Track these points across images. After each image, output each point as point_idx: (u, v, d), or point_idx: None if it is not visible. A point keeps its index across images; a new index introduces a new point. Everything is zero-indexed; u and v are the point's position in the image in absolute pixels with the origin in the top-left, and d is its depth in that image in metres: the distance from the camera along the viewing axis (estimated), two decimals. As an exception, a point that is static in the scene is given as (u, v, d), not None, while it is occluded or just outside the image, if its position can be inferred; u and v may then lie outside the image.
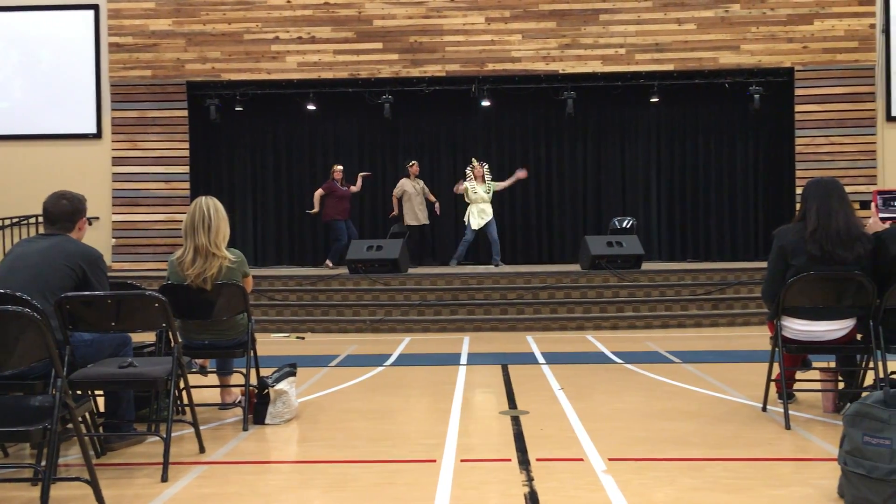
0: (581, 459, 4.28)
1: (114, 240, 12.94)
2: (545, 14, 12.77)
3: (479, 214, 12.61)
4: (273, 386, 5.25)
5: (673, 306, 10.84)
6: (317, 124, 14.29)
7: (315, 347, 9.28)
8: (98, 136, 13.13)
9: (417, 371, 7.49)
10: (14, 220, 12.50)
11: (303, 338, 10.30)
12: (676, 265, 12.58)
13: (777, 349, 5.03)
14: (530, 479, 3.94)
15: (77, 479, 3.68)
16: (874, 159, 12.59)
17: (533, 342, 9.33)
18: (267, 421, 5.21)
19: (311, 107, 13.43)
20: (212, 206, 5.25)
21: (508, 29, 12.80)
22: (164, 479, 4.02)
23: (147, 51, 12.96)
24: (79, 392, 4.21)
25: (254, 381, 5.33)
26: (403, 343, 9.48)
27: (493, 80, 13.00)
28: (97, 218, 12.60)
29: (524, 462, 4.24)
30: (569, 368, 7.35)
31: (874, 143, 12.62)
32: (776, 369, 5.12)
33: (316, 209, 12.92)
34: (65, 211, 4.53)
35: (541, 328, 10.53)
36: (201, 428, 4.68)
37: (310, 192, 14.35)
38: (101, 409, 4.79)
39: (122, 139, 13.04)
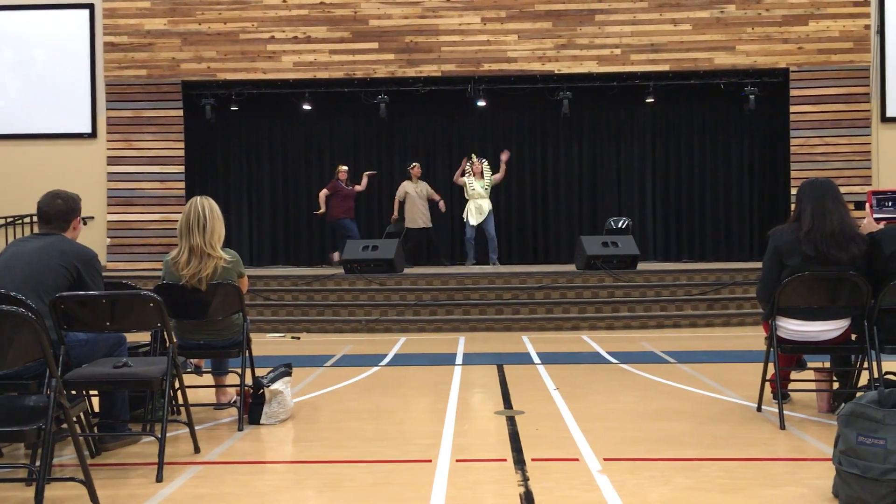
0: (576, 459, 4.29)
1: (109, 239, 12.92)
2: (541, 14, 12.78)
3: (476, 211, 12.63)
4: (268, 386, 5.25)
5: (668, 306, 10.85)
6: (312, 124, 14.28)
7: (310, 347, 9.27)
8: (93, 135, 13.10)
9: (413, 371, 7.49)
10: (8, 220, 12.47)
11: (298, 338, 10.29)
12: (672, 265, 12.61)
13: (772, 349, 5.04)
14: (526, 479, 3.94)
15: (72, 479, 3.68)
16: (869, 160, 12.63)
17: (528, 342, 9.34)
18: (262, 421, 5.21)
19: (306, 107, 13.42)
20: (207, 206, 5.24)
21: (504, 29, 12.81)
22: (159, 479, 4.01)
23: (142, 50, 12.93)
24: (73, 392, 4.20)
25: (249, 381, 5.33)
26: (399, 343, 9.48)
27: (488, 80, 13.01)
28: (92, 217, 12.58)
29: (519, 462, 4.25)
30: (564, 368, 7.35)
31: (869, 143, 12.66)
32: (771, 369, 5.13)
33: (322, 210, 12.92)
34: (59, 210, 4.52)
35: (536, 328, 10.53)
36: (196, 428, 4.68)
37: (305, 191, 14.36)
38: (96, 409, 4.78)
39: (118, 139, 13.02)
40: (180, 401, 4.84)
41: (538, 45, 12.78)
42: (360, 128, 14.29)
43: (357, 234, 12.71)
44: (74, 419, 3.79)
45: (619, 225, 13.05)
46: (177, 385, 4.82)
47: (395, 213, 13.14)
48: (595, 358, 8.10)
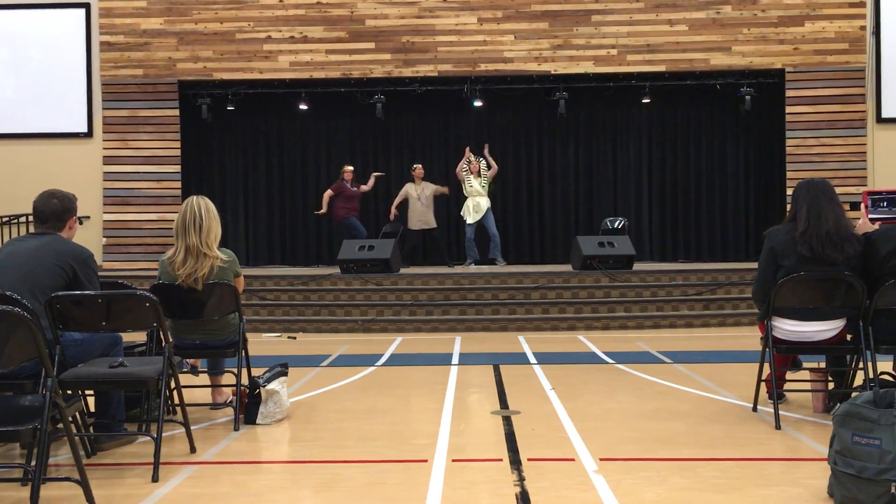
0: (572, 459, 4.29)
1: (105, 239, 12.90)
2: (537, 15, 12.78)
3: (474, 209, 12.63)
4: (264, 386, 5.25)
5: (664, 307, 10.86)
6: (309, 124, 14.27)
7: (306, 347, 9.27)
8: (89, 134, 13.07)
9: (409, 371, 7.49)
10: (4, 220, 12.44)
11: (294, 338, 10.29)
12: (667, 265, 12.62)
13: (767, 349, 5.05)
14: (521, 479, 3.95)
15: (67, 479, 3.67)
16: (864, 160, 12.65)
17: (524, 342, 9.34)
18: (258, 421, 5.21)
19: (303, 106, 13.41)
20: (203, 205, 5.24)
21: (501, 29, 12.81)
22: (155, 479, 4.01)
23: (138, 50, 12.91)
24: (69, 392, 4.20)
25: (245, 380, 5.32)
26: (395, 343, 9.48)
27: (485, 80, 13.00)
28: (88, 217, 12.55)
29: (515, 462, 4.25)
30: (560, 368, 7.36)
31: (864, 144, 12.68)
32: (767, 369, 5.13)
33: (324, 210, 12.91)
34: (55, 210, 4.51)
35: (532, 328, 10.54)
36: (192, 428, 4.68)
37: (302, 191, 14.37)
38: (92, 408, 4.78)
39: (113, 138, 12.99)
40: (176, 401, 4.83)
41: (535, 46, 12.78)
42: (356, 128, 14.29)
43: (363, 234, 12.70)
44: (70, 419, 3.79)
45: (616, 225, 13.06)
46: (173, 385, 4.80)
47: (394, 211, 13.10)
48: (591, 358, 8.11)
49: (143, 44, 12.91)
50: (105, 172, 12.99)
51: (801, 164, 12.48)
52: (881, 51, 12.67)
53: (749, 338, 8.81)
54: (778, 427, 4.87)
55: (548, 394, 6.09)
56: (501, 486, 3.85)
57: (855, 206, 11.42)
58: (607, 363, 7.71)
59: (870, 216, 5.32)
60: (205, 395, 5.79)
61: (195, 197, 5.31)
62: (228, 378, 5.57)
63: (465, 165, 12.76)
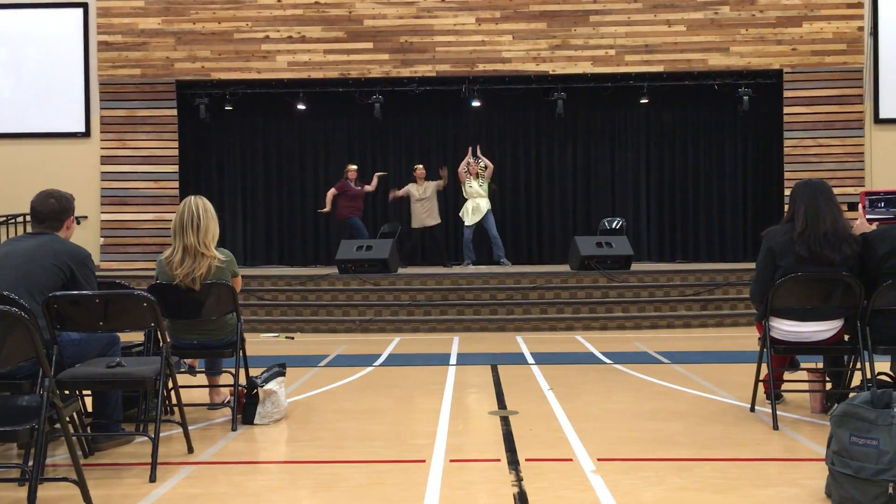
0: (570, 459, 4.29)
1: (102, 239, 12.89)
2: (535, 15, 12.79)
3: (473, 210, 12.63)
4: (262, 386, 5.24)
5: (662, 307, 10.87)
6: (307, 124, 14.27)
7: (304, 347, 9.27)
8: (87, 134, 13.07)
9: (407, 371, 7.49)
10: (1, 219, 12.43)
11: (292, 338, 10.28)
12: (665, 266, 12.63)
13: (765, 350, 5.05)
14: (519, 480, 3.95)
15: (65, 479, 3.67)
16: (862, 161, 12.66)
17: (522, 342, 9.34)
18: (256, 421, 5.20)
19: (301, 106, 13.41)
20: (201, 205, 5.23)
21: (499, 29, 12.82)
22: (153, 479, 4.01)
23: (136, 49, 12.90)
24: (66, 392, 4.19)
25: (243, 381, 5.32)
26: (393, 343, 9.48)
27: (483, 80, 13.01)
28: (85, 217, 12.55)
29: (513, 462, 4.25)
30: (558, 369, 7.36)
31: (862, 145, 12.69)
32: (764, 370, 5.14)
33: (327, 208, 12.90)
34: (53, 210, 4.51)
35: (530, 328, 10.54)
36: (190, 428, 4.67)
37: (299, 191, 14.36)
38: (89, 408, 4.77)
39: (111, 138, 12.99)
40: (174, 401, 4.83)
41: (533, 46, 12.79)
42: (354, 128, 14.28)
43: (365, 234, 12.70)
44: (67, 419, 3.78)
45: (613, 225, 13.08)
46: (170, 385, 4.81)
47: (393, 193, 13.01)
48: (589, 358, 8.11)
49: (140, 43, 12.91)
50: (103, 172, 12.98)
51: (799, 165, 12.50)
52: (879, 51, 12.69)
53: (747, 338, 8.81)
54: (776, 427, 4.87)
55: (546, 394, 6.09)
56: (499, 487, 3.85)
57: (852, 207, 11.44)
58: (605, 363, 7.72)
59: (867, 217, 5.32)
60: (202, 396, 5.78)
61: (193, 197, 5.31)
62: (226, 378, 5.56)
63: (465, 167, 12.75)
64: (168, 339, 4.53)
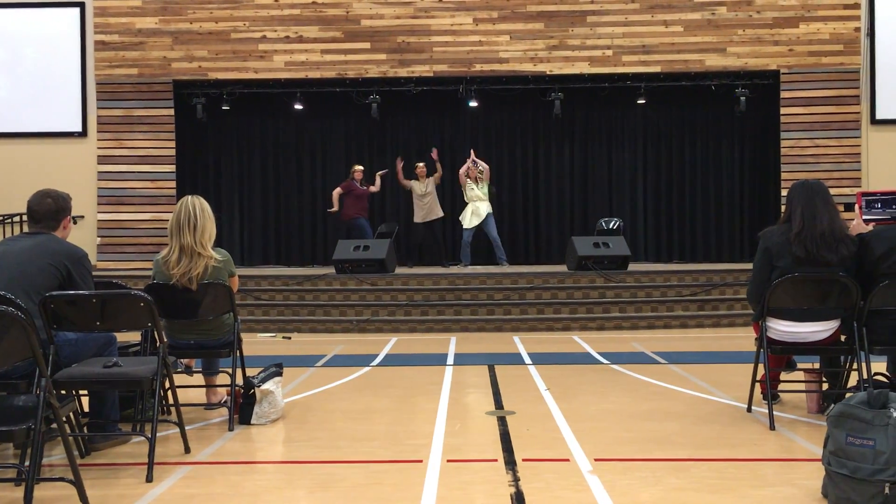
0: (567, 460, 4.29)
1: (99, 239, 12.87)
2: (533, 15, 12.80)
3: (472, 214, 12.62)
4: (259, 386, 5.24)
5: (659, 307, 10.88)
6: (304, 124, 14.26)
7: (301, 347, 9.26)
8: (83, 134, 13.05)
9: (404, 371, 7.49)
10: (-2, 219, 12.41)
11: (289, 338, 10.28)
12: (662, 266, 12.64)
13: (762, 350, 5.06)
14: (516, 480, 3.95)
15: (61, 479, 3.66)
16: (858, 162, 12.69)
17: (519, 342, 9.35)
18: (253, 421, 5.20)
19: (298, 106, 13.40)
20: (198, 205, 5.23)
21: (496, 30, 12.82)
22: (149, 479, 4.00)
23: (133, 49, 12.89)
24: (63, 392, 4.19)
25: (240, 381, 5.31)
26: (390, 343, 9.48)
27: (480, 80, 13.01)
28: (82, 217, 12.53)
29: (510, 462, 4.25)
30: (555, 369, 7.36)
31: (858, 145, 12.71)
32: (761, 370, 5.15)
33: (336, 208, 12.90)
34: (49, 209, 4.50)
35: (527, 329, 10.54)
36: (187, 428, 4.67)
37: (296, 191, 14.35)
38: (86, 408, 4.76)
39: (108, 137, 12.97)
40: (170, 401, 4.83)
41: (530, 46, 12.80)
42: (351, 128, 14.28)
43: (370, 234, 12.68)
44: (64, 419, 3.78)
45: (611, 226, 13.08)
46: (167, 385, 4.81)
47: (399, 164, 12.99)
48: (586, 358, 8.12)
49: (137, 43, 12.89)
50: (99, 172, 12.97)
51: (796, 166, 12.51)
52: (875, 52, 12.71)
53: (743, 338, 8.82)
54: (772, 428, 4.88)
55: (543, 394, 6.09)
56: (496, 487, 3.85)
57: (849, 208, 11.44)
58: (602, 364, 7.72)
59: (864, 217, 5.31)
60: (199, 396, 5.78)
61: (190, 196, 5.30)
62: (223, 378, 5.56)
63: (465, 171, 12.71)
64: (165, 339, 4.53)
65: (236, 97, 13.16)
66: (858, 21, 12.68)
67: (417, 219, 12.94)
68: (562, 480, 3.94)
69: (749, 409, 5.34)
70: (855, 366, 4.96)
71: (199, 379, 5.75)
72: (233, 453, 4.62)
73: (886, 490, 3.26)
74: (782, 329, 5.02)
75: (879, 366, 5.25)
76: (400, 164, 12.98)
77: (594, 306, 10.87)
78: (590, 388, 6.44)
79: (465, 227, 12.67)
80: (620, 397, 6.01)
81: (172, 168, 12.98)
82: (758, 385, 5.30)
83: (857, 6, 12.65)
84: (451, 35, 12.83)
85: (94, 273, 4.69)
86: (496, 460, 4.30)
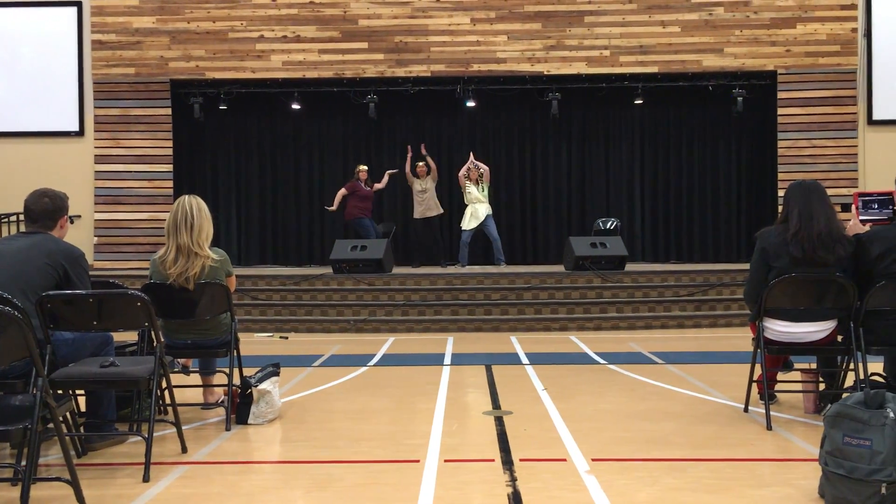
0: (564, 460, 4.29)
1: (96, 238, 12.85)
2: (530, 15, 12.80)
3: (472, 215, 12.61)
4: (256, 386, 5.24)
5: (656, 307, 10.89)
6: (301, 124, 14.25)
7: (298, 347, 9.26)
8: (80, 133, 13.03)
9: (401, 371, 7.49)
10: (-5, 218, 12.39)
11: (286, 338, 10.27)
12: (660, 266, 12.65)
13: (759, 350, 5.06)
14: (514, 480, 3.95)
15: (58, 479, 3.66)
16: (855, 162, 12.70)
17: (517, 342, 9.35)
18: (250, 421, 5.20)
19: (295, 106, 13.39)
20: (195, 204, 5.23)
21: (494, 30, 12.82)
22: (146, 479, 4.00)
23: (130, 48, 12.88)
24: (60, 391, 4.18)
25: (237, 380, 5.31)
26: (387, 343, 9.48)
27: (478, 80, 13.01)
28: (79, 216, 12.51)
29: (507, 462, 4.25)
30: (552, 369, 7.37)
31: (855, 146, 12.73)
32: (758, 370, 5.15)
33: (335, 207, 12.88)
34: (46, 209, 4.50)
35: (524, 329, 10.55)
36: (184, 428, 4.66)
37: (294, 191, 14.33)
38: (83, 408, 4.76)
39: (105, 137, 12.96)
40: (167, 400, 4.82)
41: (527, 46, 12.80)
42: (349, 128, 14.27)
43: (373, 234, 12.65)
44: (61, 419, 3.78)
45: (608, 226, 13.09)
46: (164, 385, 4.80)
47: (414, 152, 12.93)
48: (583, 359, 8.12)
49: (135, 42, 12.88)
50: (97, 171, 12.95)
51: (793, 166, 12.53)
52: (872, 53, 12.73)
53: (740, 338, 8.83)
54: (769, 428, 4.88)
55: (540, 394, 6.09)
56: (493, 487, 3.85)
57: (846, 208, 11.47)
58: (599, 364, 7.72)
59: (860, 218, 5.32)
60: (196, 395, 5.77)
61: (187, 196, 5.30)
62: (220, 378, 5.55)
63: (465, 172, 12.70)
64: (162, 339, 4.52)
65: (234, 97, 13.15)
66: (855, 22, 12.69)
67: (416, 214, 12.95)
68: (559, 480, 3.94)
69: (746, 410, 5.35)
70: (852, 366, 4.96)
71: (195, 379, 5.75)
72: (230, 453, 4.62)
73: (883, 490, 3.27)
74: (779, 329, 5.02)
75: (876, 366, 5.25)
76: (409, 156, 12.93)
77: (591, 306, 10.88)
78: (587, 388, 6.44)
79: (463, 228, 12.67)
80: (617, 397, 6.01)
81: (170, 168, 12.97)
82: (755, 385, 5.30)
83: (854, 7, 12.67)
84: (449, 35, 12.83)
85: (91, 273, 4.68)
86: (493, 460, 4.30)
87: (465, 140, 14.05)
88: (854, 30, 12.69)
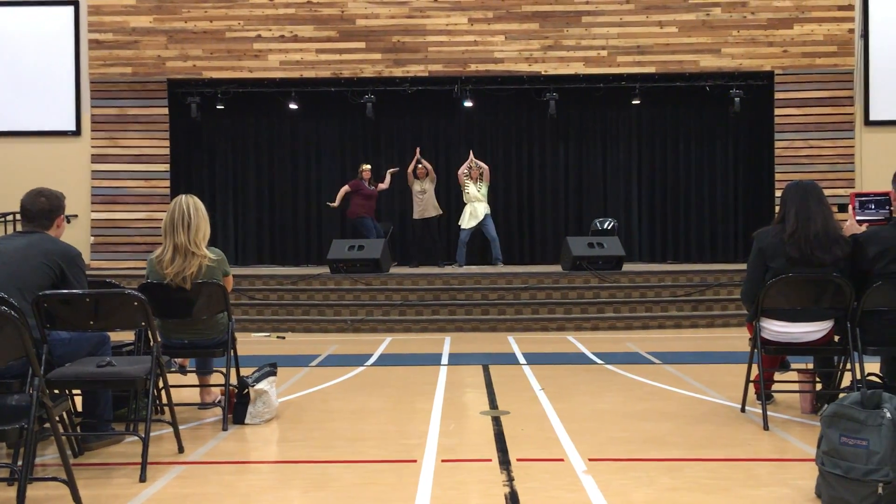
0: (561, 460, 4.29)
1: (93, 238, 12.84)
2: (528, 15, 12.80)
3: (470, 215, 12.61)
4: (253, 385, 5.23)
5: (653, 307, 10.89)
6: (298, 123, 14.24)
7: (295, 347, 9.25)
8: (77, 133, 13.02)
9: (398, 371, 7.49)
10: (-9, 218, 12.37)
11: (283, 337, 10.26)
12: (657, 266, 12.66)
13: (756, 350, 5.06)
14: (511, 480, 3.95)
15: (54, 478, 3.65)
16: (852, 163, 12.72)
17: (514, 342, 9.35)
18: (247, 421, 5.19)
19: (293, 106, 13.38)
20: (192, 204, 5.22)
21: (491, 30, 12.82)
22: (143, 479, 3.99)
23: (127, 48, 12.86)
24: (56, 391, 4.17)
25: (234, 380, 5.30)
26: (384, 343, 9.47)
27: (475, 80, 13.02)
28: (76, 216, 12.50)
29: (505, 462, 4.25)
30: (549, 369, 7.37)
31: (852, 146, 12.75)
32: (755, 370, 5.15)
33: (336, 203, 12.86)
34: (43, 208, 4.49)
35: (522, 329, 10.55)
36: (180, 428, 4.65)
37: (291, 191, 14.33)
38: (79, 408, 4.75)
39: (102, 136, 12.94)
40: (164, 400, 4.81)
41: (525, 46, 12.80)
42: (346, 127, 14.26)
43: (374, 234, 12.63)
44: (57, 418, 3.77)
45: (605, 226, 13.10)
46: (161, 384, 4.79)
47: (419, 156, 12.93)
48: (580, 358, 8.12)
49: (132, 42, 12.86)
50: (93, 171, 12.93)
51: (790, 166, 12.54)
52: (869, 54, 12.75)
53: (737, 339, 8.84)
54: (766, 428, 4.89)
55: (537, 394, 6.09)
56: (491, 487, 3.85)
57: (843, 208, 11.47)
58: (596, 364, 7.72)
59: (857, 218, 5.32)
60: (193, 395, 5.76)
61: (184, 196, 5.29)
62: (217, 378, 5.55)
63: (466, 171, 12.69)
64: (159, 339, 4.51)
65: (231, 96, 13.14)
66: (852, 23, 12.71)
67: (415, 215, 12.95)
68: (556, 480, 3.94)
69: (743, 410, 5.35)
70: (848, 366, 4.97)
71: (192, 378, 5.74)
72: (227, 453, 4.61)
73: (880, 490, 3.27)
74: (776, 329, 5.02)
75: (873, 366, 5.26)
76: (416, 157, 12.92)
77: (589, 306, 10.88)
78: (584, 388, 6.44)
79: (462, 227, 12.67)
80: (615, 397, 6.01)
81: (166, 167, 12.96)
82: (752, 385, 5.31)
83: (851, 8, 12.69)
84: (447, 35, 12.83)
85: (87, 272, 4.68)
86: (490, 460, 4.30)
87: (463, 140, 14.05)
88: (851, 30, 12.71)
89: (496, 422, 5.18)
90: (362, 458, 4.40)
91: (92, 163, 12.94)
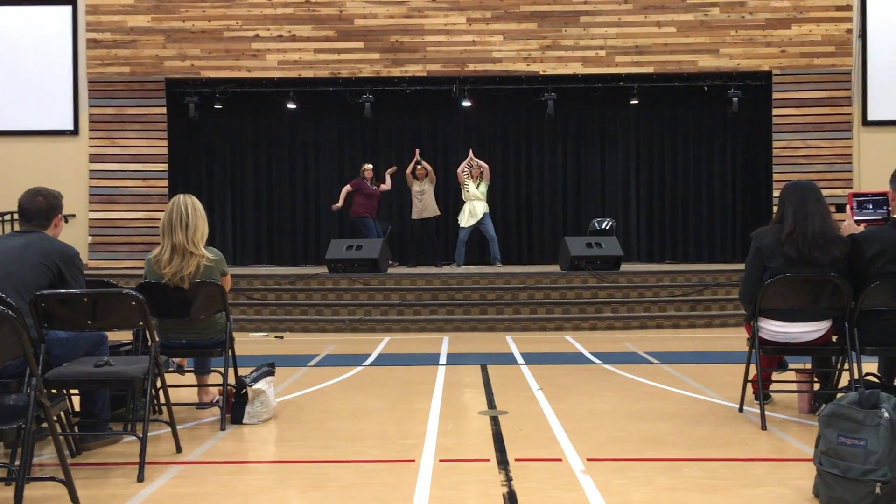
0: (559, 460, 4.29)
1: (91, 237, 12.83)
2: (526, 15, 12.80)
3: (469, 213, 12.61)
4: (251, 385, 5.23)
5: (651, 307, 10.90)
6: (297, 123, 14.24)
7: (294, 347, 9.24)
8: (75, 132, 13.00)
9: (396, 371, 7.48)
10: (-11, 217, 12.35)
11: (281, 337, 10.26)
12: (655, 266, 12.66)
13: (754, 350, 5.07)
14: (509, 479, 3.95)
15: (52, 478, 3.65)
16: (850, 163, 12.73)
17: (512, 342, 9.35)
18: (245, 421, 5.19)
19: (291, 105, 13.38)
20: (190, 204, 5.22)
21: (489, 30, 12.82)
22: (141, 478, 3.99)
23: (125, 47, 12.85)
24: (54, 391, 4.17)
25: (232, 380, 5.30)
26: (383, 343, 9.47)
27: (473, 80, 13.01)
28: (74, 215, 12.48)
29: (503, 462, 4.25)
30: (548, 369, 7.37)
31: (850, 146, 12.76)
32: (753, 370, 5.16)
33: (340, 204, 12.85)
34: (40, 208, 4.48)
35: (520, 328, 10.55)
36: (178, 427, 4.65)
37: (289, 190, 14.33)
38: (77, 408, 4.74)
39: (100, 136, 12.93)
40: (162, 400, 4.81)
41: (523, 46, 12.80)
42: (344, 127, 14.26)
43: (374, 234, 12.61)
44: (55, 418, 3.76)
45: (603, 226, 13.10)
46: (158, 384, 4.79)
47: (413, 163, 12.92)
48: (578, 358, 8.12)
49: (130, 41, 12.85)
50: (91, 170, 12.92)
51: (788, 166, 12.55)
52: (867, 54, 12.76)
53: (735, 339, 8.84)
54: (764, 427, 4.89)
55: (535, 394, 6.09)
56: (489, 487, 3.85)
57: (841, 209, 11.46)
58: (594, 364, 7.73)
59: (855, 218, 5.33)
60: (191, 395, 5.76)
61: (182, 195, 5.29)
62: (215, 377, 5.54)
63: (466, 169, 12.69)
64: (156, 338, 4.51)
65: (229, 96, 13.13)
66: (850, 23, 12.72)
67: (414, 215, 12.96)
68: (554, 480, 3.94)
69: (741, 409, 5.36)
70: (846, 366, 4.97)
71: (190, 378, 5.73)
72: (224, 453, 4.61)
73: (877, 490, 3.27)
74: (774, 329, 5.03)
75: (871, 366, 5.26)
76: (416, 158, 12.92)
77: (587, 306, 10.89)
78: (582, 388, 6.44)
79: (461, 226, 12.67)
80: (613, 397, 6.01)
81: (164, 167, 12.95)
82: (750, 385, 5.31)
83: (849, 8, 12.70)
84: (445, 35, 12.83)
85: (85, 272, 4.67)
86: (489, 460, 4.30)
87: (461, 140, 14.05)
88: (849, 31, 12.71)
89: (494, 422, 5.18)
90: (360, 458, 4.40)
91: (90, 162, 12.93)
